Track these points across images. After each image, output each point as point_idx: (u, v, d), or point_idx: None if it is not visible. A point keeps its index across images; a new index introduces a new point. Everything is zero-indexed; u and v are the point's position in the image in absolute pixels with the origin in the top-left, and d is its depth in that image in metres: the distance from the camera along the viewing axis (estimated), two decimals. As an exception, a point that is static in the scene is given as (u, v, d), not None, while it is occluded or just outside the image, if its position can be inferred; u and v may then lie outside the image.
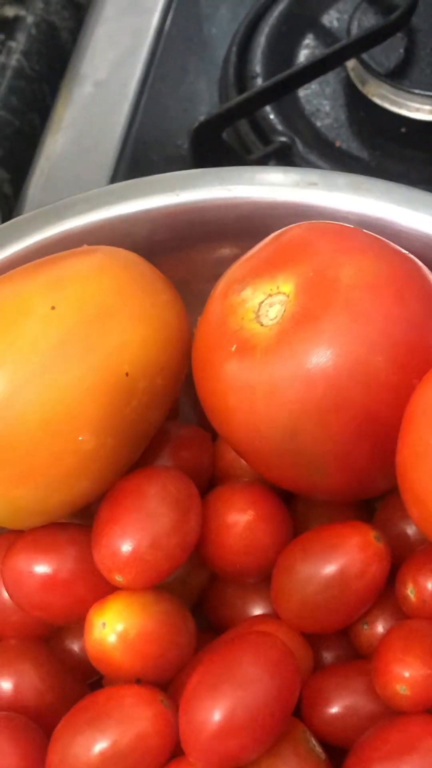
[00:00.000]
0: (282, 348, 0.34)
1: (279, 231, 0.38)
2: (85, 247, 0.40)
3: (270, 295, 0.36)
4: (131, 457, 0.38)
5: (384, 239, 0.37)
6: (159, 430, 0.40)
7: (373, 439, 0.35)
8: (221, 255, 0.40)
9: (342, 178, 0.42)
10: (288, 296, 0.35)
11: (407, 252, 0.37)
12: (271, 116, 0.63)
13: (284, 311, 0.35)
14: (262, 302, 0.36)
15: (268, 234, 0.39)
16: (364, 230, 0.38)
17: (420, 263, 0.37)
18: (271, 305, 0.36)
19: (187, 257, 0.44)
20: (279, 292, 0.36)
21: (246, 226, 0.42)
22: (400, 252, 0.37)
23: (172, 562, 0.36)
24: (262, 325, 0.35)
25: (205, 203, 0.42)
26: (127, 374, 0.36)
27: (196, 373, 0.37)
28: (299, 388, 0.34)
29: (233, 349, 0.35)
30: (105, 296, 0.36)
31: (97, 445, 0.35)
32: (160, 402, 0.38)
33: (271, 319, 0.35)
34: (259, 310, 0.36)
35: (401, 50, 0.62)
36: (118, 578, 0.36)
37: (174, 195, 0.42)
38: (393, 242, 0.39)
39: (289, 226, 0.38)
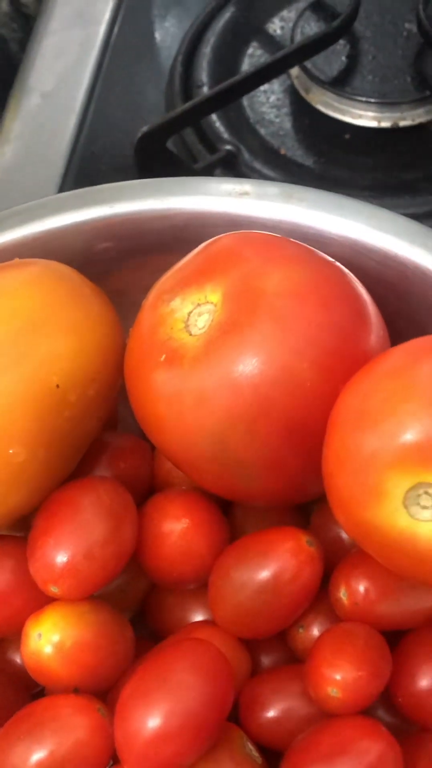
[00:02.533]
0: (209, 357, 0.35)
1: (208, 241, 0.38)
2: (17, 260, 0.40)
3: (198, 305, 0.36)
4: (66, 468, 0.38)
5: (311, 248, 0.38)
6: (97, 440, 0.40)
7: (301, 445, 0.35)
8: (157, 265, 0.40)
9: (273, 187, 0.42)
10: (216, 306, 0.36)
11: (333, 260, 0.37)
12: (217, 124, 0.63)
13: (212, 321, 0.35)
14: (191, 312, 0.36)
15: (201, 243, 0.39)
16: (292, 239, 0.38)
17: (345, 270, 0.37)
18: (199, 315, 0.36)
19: (123, 268, 0.44)
20: (207, 302, 0.36)
21: (180, 237, 0.42)
22: (325, 260, 0.37)
23: (108, 573, 0.36)
24: (190, 334, 0.36)
25: (139, 215, 0.42)
26: (57, 386, 0.36)
27: (127, 383, 0.38)
28: (226, 396, 0.34)
29: (162, 359, 0.36)
30: (35, 309, 0.37)
31: (29, 458, 0.35)
32: (94, 412, 0.38)
33: (199, 329, 0.36)
34: (188, 320, 0.36)
35: (344, 57, 0.63)
36: (54, 589, 0.36)
37: (108, 207, 0.42)
38: (324, 250, 0.40)
39: (217, 236, 0.38)
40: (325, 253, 0.39)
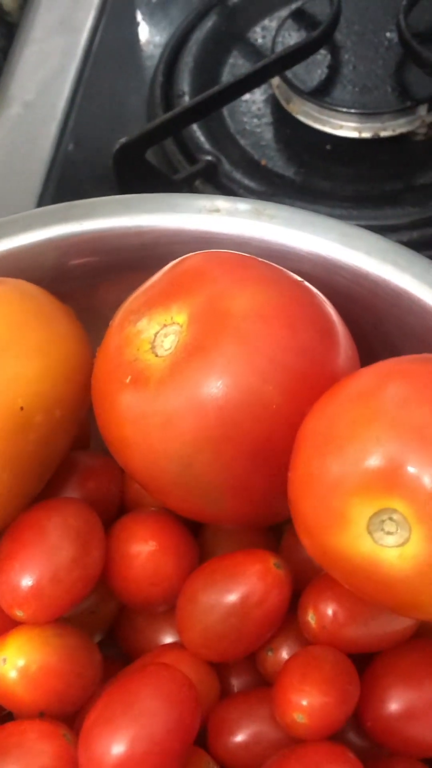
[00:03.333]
0: (174, 379, 0.34)
1: (175, 261, 0.38)
2: (-19, 280, 0.39)
3: (165, 326, 0.36)
4: (32, 490, 0.38)
5: (279, 267, 0.37)
6: (66, 461, 0.40)
7: (267, 468, 0.35)
8: (129, 282, 0.40)
9: (244, 204, 0.42)
10: (182, 327, 0.35)
11: (302, 279, 0.37)
12: (198, 135, 0.63)
13: (178, 342, 0.35)
14: (157, 333, 0.36)
15: (172, 260, 0.39)
16: (261, 258, 0.38)
17: (314, 290, 0.37)
18: (165, 336, 0.36)
19: (95, 285, 0.44)
20: (173, 323, 0.36)
21: (150, 254, 0.42)
22: (294, 280, 0.37)
23: (74, 596, 0.36)
24: (156, 356, 0.35)
25: (109, 232, 0.42)
26: (21, 408, 0.35)
27: (94, 404, 0.37)
28: (192, 418, 0.34)
29: (128, 380, 0.35)
30: (-1, 330, 0.36)
31: (-7, 481, 0.35)
32: (62, 434, 0.38)
33: (165, 350, 0.35)
34: (154, 340, 0.36)
35: (324, 67, 0.63)
36: (19, 613, 0.35)
37: (77, 224, 0.42)
38: (295, 267, 0.39)
39: (185, 256, 0.38)
40: (296, 270, 0.39)
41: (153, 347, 0.36)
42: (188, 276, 0.37)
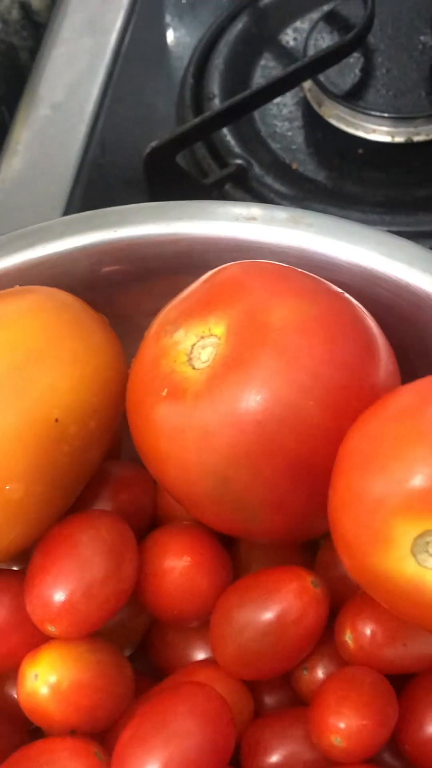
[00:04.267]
0: (212, 392, 0.34)
1: (213, 271, 0.37)
2: (17, 287, 0.39)
3: (202, 338, 0.35)
4: (65, 502, 0.37)
5: (319, 278, 0.36)
6: (98, 471, 0.39)
7: (306, 484, 0.34)
8: (162, 290, 0.39)
9: (282, 212, 0.41)
10: (220, 339, 0.35)
11: (342, 291, 0.36)
12: (228, 138, 0.62)
13: (216, 354, 0.34)
14: (194, 344, 0.35)
15: (208, 269, 0.38)
16: (300, 269, 0.37)
17: (354, 302, 0.36)
18: (203, 348, 0.35)
19: (128, 293, 0.43)
20: (211, 335, 0.35)
21: (185, 262, 0.41)
22: (334, 292, 0.36)
23: (106, 611, 0.35)
24: (194, 368, 0.35)
25: (143, 239, 0.41)
26: (56, 420, 0.35)
27: (129, 416, 0.37)
28: (229, 433, 0.33)
29: (164, 393, 0.35)
30: (34, 340, 0.36)
31: (27, 494, 0.35)
32: (95, 445, 0.37)
33: (203, 362, 0.35)
34: (191, 352, 0.35)
35: (357, 71, 0.62)
36: (51, 629, 0.35)
37: (112, 231, 0.41)
38: (333, 277, 0.39)
39: (222, 266, 0.37)
40: (335, 281, 0.38)
41: (190, 359, 0.35)
42: (226, 287, 0.36)
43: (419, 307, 0.39)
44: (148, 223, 0.42)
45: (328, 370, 0.34)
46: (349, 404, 0.34)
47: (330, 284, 0.37)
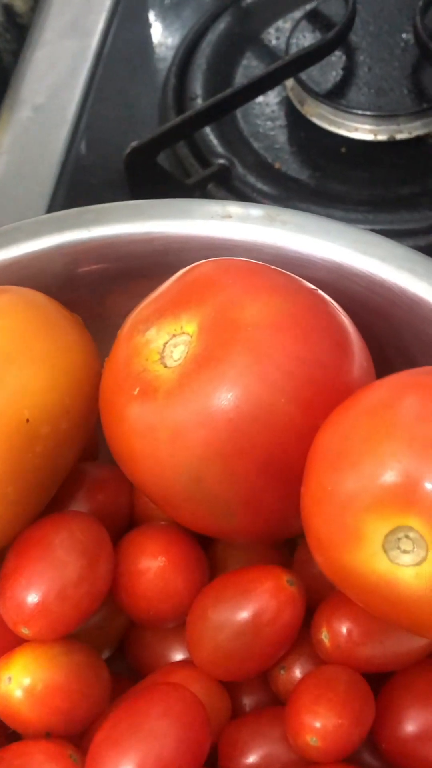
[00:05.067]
0: (183, 391, 0.34)
1: (185, 269, 0.37)
2: (-11, 288, 0.39)
3: (174, 336, 0.35)
4: (39, 503, 0.37)
5: (292, 275, 0.36)
6: (74, 472, 0.39)
7: (280, 482, 0.34)
8: (138, 290, 0.39)
9: (257, 209, 0.41)
10: (191, 337, 0.34)
11: (315, 288, 0.36)
12: (211, 138, 0.62)
13: (187, 352, 0.34)
14: (166, 343, 0.35)
15: (183, 267, 0.38)
16: (273, 266, 0.37)
17: (328, 299, 0.36)
18: (175, 346, 0.35)
19: (104, 292, 0.43)
20: (183, 333, 0.35)
21: (161, 260, 0.41)
22: (307, 288, 0.36)
23: (81, 613, 0.35)
24: (165, 366, 0.34)
25: (118, 238, 0.41)
26: (27, 420, 0.35)
27: (102, 415, 0.36)
28: (201, 431, 0.33)
29: (136, 392, 0.34)
30: (5, 340, 0.35)
31: (-2, 495, 0.34)
32: (69, 445, 0.37)
33: (175, 361, 0.34)
34: (163, 351, 0.35)
35: (339, 69, 0.62)
36: (25, 631, 0.35)
37: (86, 230, 0.41)
38: (308, 274, 0.38)
39: (195, 264, 0.37)
40: (309, 277, 0.38)
41: (162, 358, 0.35)
42: (198, 284, 0.36)
43: (393, 303, 0.38)
44: (122, 222, 0.41)
45: (301, 367, 0.34)
46: (322, 401, 0.33)
47: (303, 281, 0.36)
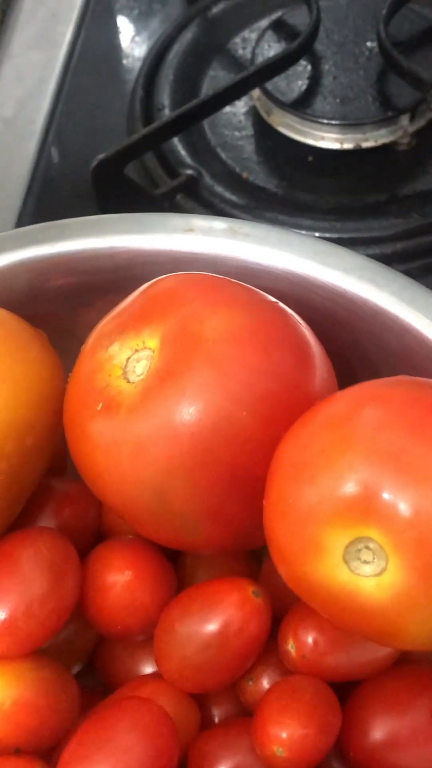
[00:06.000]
0: (146, 405, 0.34)
1: (147, 283, 0.37)
2: None
3: (137, 351, 0.35)
4: (5, 519, 0.37)
5: (253, 289, 0.36)
6: (41, 487, 0.39)
7: (244, 494, 0.34)
8: (103, 304, 0.39)
9: (220, 222, 0.41)
10: (154, 352, 0.35)
11: (277, 301, 0.36)
12: (179, 149, 0.62)
13: (150, 367, 0.34)
14: (129, 358, 0.35)
15: (148, 281, 0.38)
16: (235, 280, 0.37)
17: (289, 311, 0.36)
18: (137, 361, 0.35)
19: (70, 308, 0.43)
20: (145, 348, 0.35)
21: (125, 275, 0.41)
22: (268, 302, 0.36)
23: (48, 629, 0.35)
24: (128, 381, 0.35)
25: (81, 253, 0.41)
26: (-9, 438, 0.35)
27: (66, 431, 0.37)
28: (164, 446, 0.33)
29: (99, 407, 0.35)
30: (-33, 358, 0.35)
31: (-37, 513, 0.34)
32: (34, 462, 0.37)
33: (137, 376, 0.35)
34: (126, 366, 0.35)
35: (305, 78, 0.62)
36: (-8, 647, 0.35)
37: (50, 246, 0.41)
38: (271, 286, 0.39)
39: (157, 278, 0.37)
40: (272, 289, 0.38)
41: (125, 373, 0.35)
42: (160, 299, 0.36)
43: (355, 314, 0.39)
44: (86, 237, 0.42)
45: (262, 380, 0.34)
46: (283, 413, 0.34)
47: (264, 294, 0.37)
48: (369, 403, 0.32)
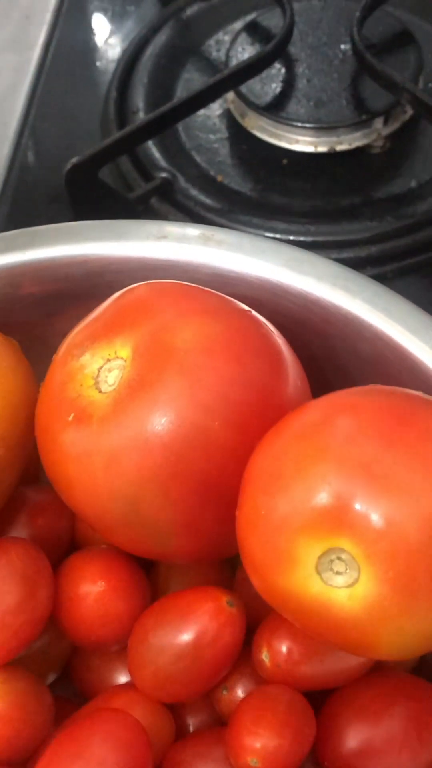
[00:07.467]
0: (118, 416, 0.33)
1: (119, 292, 0.37)
2: None
3: (108, 360, 0.35)
4: (-23, 531, 0.37)
5: (226, 297, 0.36)
6: (13, 497, 0.39)
7: (217, 504, 0.34)
8: (75, 312, 0.39)
9: (193, 229, 0.41)
10: (125, 361, 0.34)
11: (250, 309, 0.36)
12: (153, 152, 0.62)
13: (121, 377, 0.34)
14: (101, 368, 0.35)
15: (121, 289, 0.38)
16: (208, 287, 0.37)
17: (262, 320, 0.36)
18: (109, 371, 0.35)
19: (43, 316, 0.43)
20: (117, 357, 0.35)
21: (98, 282, 0.41)
22: (240, 310, 0.36)
23: (21, 640, 0.35)
24: (100, 392, 0.34)
25: (54, 261, 0.41)
26: (-38, 449, 0.34)
27: (38, 441, 0.36)
28: (136, 456, 0.33)
29: (71, 418, 0.34)
30: None
31: None
32: (6, 471, 0.37)
33: (109, 386, 0.34)
34: (98, 376, 0.35)
35: (279, 81, 0.62)
36: (-36, 660, 0.34)
37: (21, 254, 0.41)
38: (244, 294, 0.39)
39: (129, 287, 0.37)
40: (245, 296, 0.38)
41: (97, 383, 0.35)
42: (132, 308, 0.36)
43: (329, 321, 0.39)
44: (58, 245, 0.41)
45: (234, 390, 0.34)
46: (256, 423, 0.34)
47: (236, 302, 0.37)
48: (341, 413, 0.32)
